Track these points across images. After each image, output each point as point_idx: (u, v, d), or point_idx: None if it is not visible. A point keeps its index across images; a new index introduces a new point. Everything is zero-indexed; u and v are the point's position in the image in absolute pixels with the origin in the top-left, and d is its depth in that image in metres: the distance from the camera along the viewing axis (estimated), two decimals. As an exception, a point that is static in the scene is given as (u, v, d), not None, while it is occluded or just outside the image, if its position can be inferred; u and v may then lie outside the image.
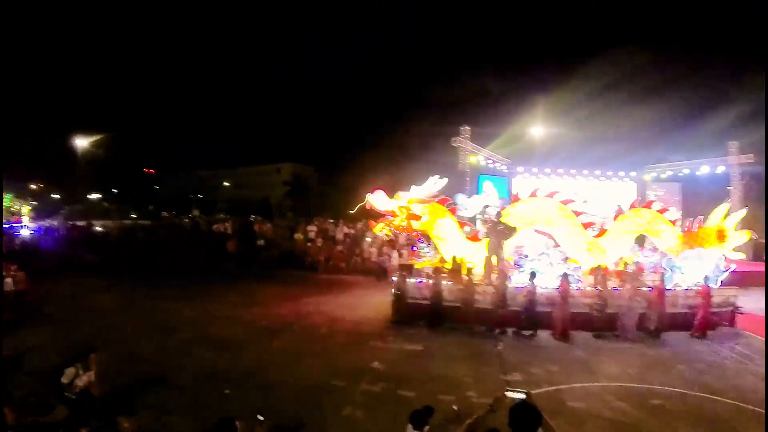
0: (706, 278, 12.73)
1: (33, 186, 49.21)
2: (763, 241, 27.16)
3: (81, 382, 6.62)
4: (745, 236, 15.21)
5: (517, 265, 13.66)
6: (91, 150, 40.07)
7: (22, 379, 8.07)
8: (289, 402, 7.82)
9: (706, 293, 12.36)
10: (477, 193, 15.83)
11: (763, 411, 7.72)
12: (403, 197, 14.49)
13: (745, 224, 26.07)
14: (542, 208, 14.94)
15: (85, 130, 38.91)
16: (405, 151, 36.40)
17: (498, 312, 12.46)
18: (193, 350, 10.35)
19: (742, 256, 15.52)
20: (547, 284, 12.96)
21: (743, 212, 15.64)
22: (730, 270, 14.06)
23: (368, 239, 22.25)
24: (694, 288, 13.00)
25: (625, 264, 14.21)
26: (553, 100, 32.85)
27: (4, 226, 25.48)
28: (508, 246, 14.42)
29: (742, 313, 13.46)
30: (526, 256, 13.78)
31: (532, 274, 12.55)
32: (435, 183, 14.81)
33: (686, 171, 27.92)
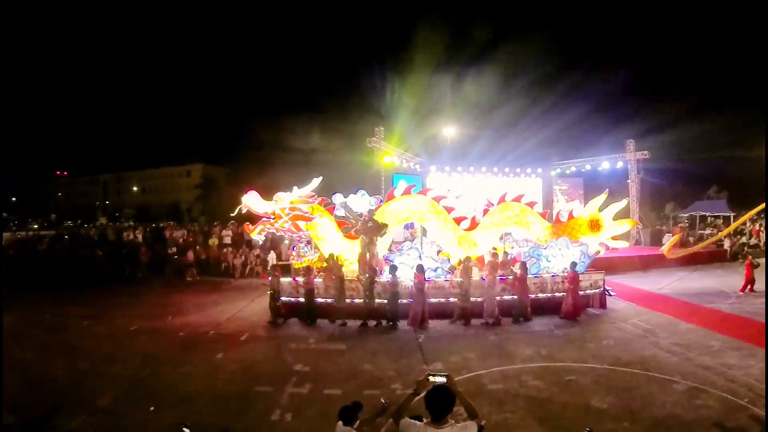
0: (573, 264, 13.42)
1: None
2: (659, 227, 29.38)
3: None
4: (626, 225, 16.04)
5: (387, 260, 14.01)
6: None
7: None
8: (214, 412, 7.51)
9: (573, 278, 13.12)
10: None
11: (667, 377, 8.39)
12: (284, 198, 14.48)
13: (643, 213, 28.20)
14: (414, 205, 15.57)
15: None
16: (320, 152, 36.17)
17: (367, 306, 12.86)
18: (108, 368, 9.65)
19: (624, 244, 16.49)
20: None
21: (623, 203, 16.37)
22: (596, 256, 14.95)
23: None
24: (562, 274, 13.81)
25: (496, 254, 14.80)
26: (465, 102, 33.86)
27: None
28: (382, 242, 14.91)
29: (611, 295, 14.63)
30: (401, 251, 14.17)
31: (393, 267, 13.04)
32: (315, 183, 14.99)
33: (588, 167, 29.68)
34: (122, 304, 15.92)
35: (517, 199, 15.91)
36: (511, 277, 13.46)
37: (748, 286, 15.85)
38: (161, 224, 33.57)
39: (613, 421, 6.81)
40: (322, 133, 37.21)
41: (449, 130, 32.39)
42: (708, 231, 30.34)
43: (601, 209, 15.74)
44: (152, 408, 7.64)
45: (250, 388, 8.46)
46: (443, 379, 3.63)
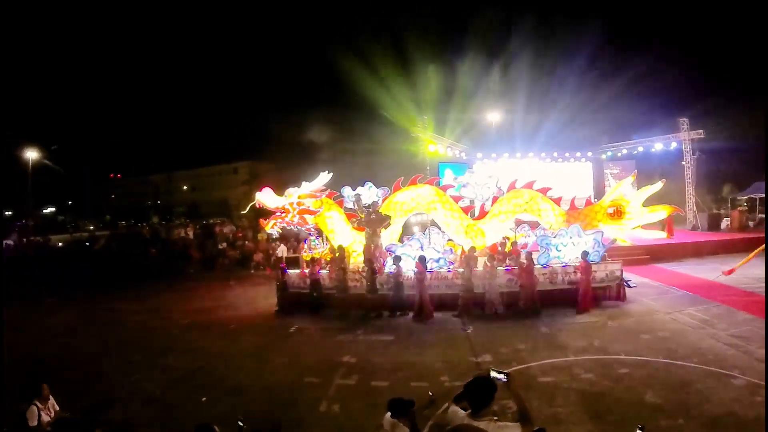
0: (585, 253, 12.69)
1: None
2: (718, 211, 28.08)
3: (47, 416, 6.25)
4: (661, 212, 14.99)
5: (389, 250, 13.94)
6: (42, 161, 38.39)
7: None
8: (263, 403, 7.70)
9: (585, 269, 12.49)
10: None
11: (725, 371, 7.99)
12: (293, 193, 14.93)
13: (699, 196, 26.96)
14: (421, 195, 15.50)
15: (32, 141, 37.20)
16: (364, 142, 36.09)
17: (369, 296, 13.07)
18: (160, 360, 10.07)
19: (659, 235, 15.76)
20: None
21: (656, 186, 15.05)
22: (610, 245, 14.17)
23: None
24: (574, 264, 13.16)
25: (503, 244, 14.65)
26: (510, 86, 33.13)
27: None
28: (389, 233, 15.08)
29: (630, 287, 13.70)
30: (407, 243, 14.14)
31: (396, 258, 13.06)
32: (324, 178, 15.34)
33: (640, 149, 28.58)
34: (175, 299, 16.50)
35: (528, 186, 15.33)
36: (516, 267, 12.96)
37: None
38: (211, 221, 34.41)
39: (668, 417, 6.56)
40: (366, 123, 37.10)
41: (494, 116, 31.83)
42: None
43: (626, 194, 14.90)
44: (204, 399, 7.90)
45: (299, 379, 8.63)
46: (503, 377, 3.55)
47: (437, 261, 13.66)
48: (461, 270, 12.91)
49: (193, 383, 8.73)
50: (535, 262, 13.14)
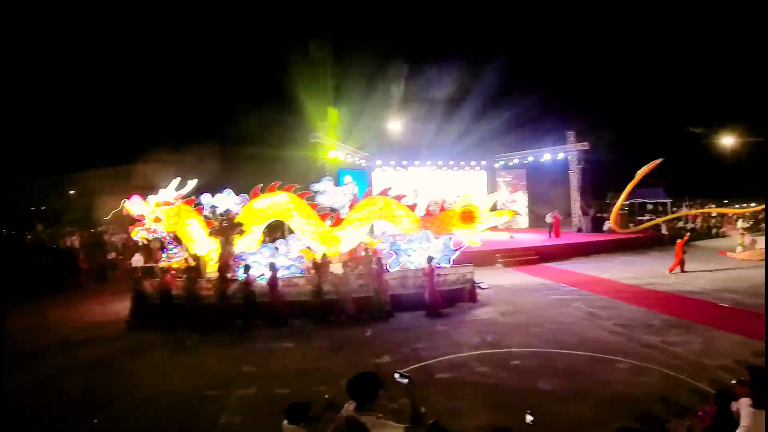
0: (429, 258, 13.18)
1: None
2: (600, 215, 30.37)
3: None
4: (505, 216, 16.41)
5: (240, 258, 13.91)
6: None
7: None
8: (163, 417, 7.30)
9: (430, 272, 12.92)
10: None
11: (610, 357, 8.59)
12: (150, 201, 14.86)
13: (583, 202, 29.02)
14: (277, 202, 15.51)
15: None
16: (263, 146, 35.27)
17: (220, 305, 12.77)
18: (57, 379, 9.27)
19: (505, 236, 17.55)
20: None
21: (499, 194, 16.89)
22: (462, 249, 14.75)
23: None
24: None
25: (361, 249, 15.10)
26: (411, 97, 33.79)
27: None
28: (246, 241, 15.01)
29: (483, 288, 14.55)
30: (258, 251, 14.21)
31: (246, 267, 12.93)
32: (182, 185, 15.35)
33: (531, 158, 30.29)
34: (64, 313, 15.19)
35: (384, 193, 15.72)
36: (366, 272, 13.29)
37: (678, 267, 16.86)
38: (99, 229, 32.20)
39: (560, 401, 6.92)
40: (264, 128, 36.34)
41: (395, 125, 32.38)
42: (647, 217, 31.86)
43: (474, 201, 15.78)
44: (95, 420, 7.33)
45: (198, 391, 8.22)
46: (405, 381, 3.61)
47: (288, 268, 13.68)
48: (312, 276, 13.08)
49: (91, 402, 8.05)
50: (387, 267, 13.51)
